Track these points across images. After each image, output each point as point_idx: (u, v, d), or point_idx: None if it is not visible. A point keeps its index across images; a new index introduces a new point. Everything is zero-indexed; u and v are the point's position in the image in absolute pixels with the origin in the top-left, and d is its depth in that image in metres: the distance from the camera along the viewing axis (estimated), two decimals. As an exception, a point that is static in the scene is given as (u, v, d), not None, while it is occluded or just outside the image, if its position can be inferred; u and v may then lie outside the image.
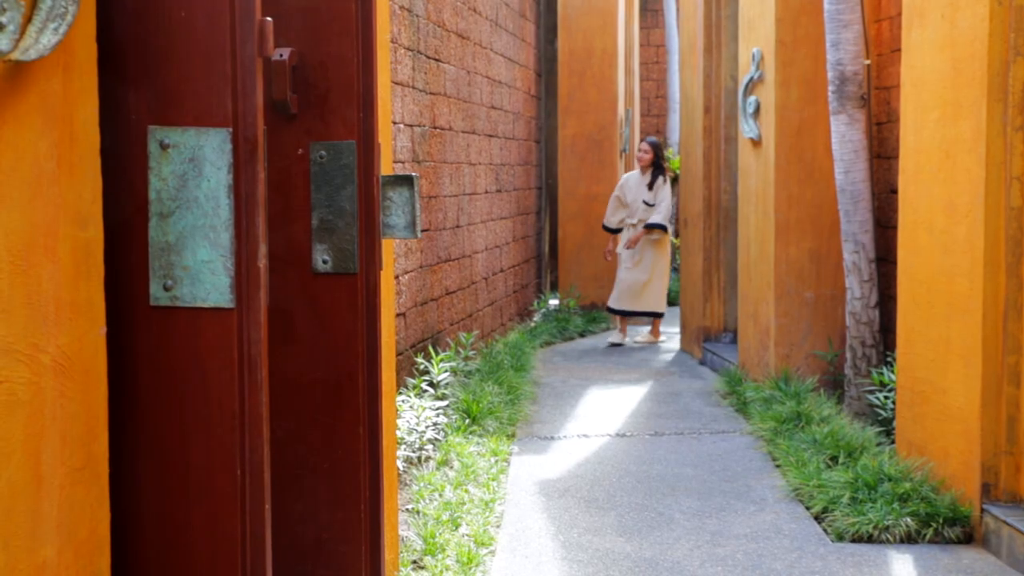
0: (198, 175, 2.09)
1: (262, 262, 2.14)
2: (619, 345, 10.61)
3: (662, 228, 10.50)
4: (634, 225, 10.56)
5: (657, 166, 10.61)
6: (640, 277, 10.54)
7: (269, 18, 2.15)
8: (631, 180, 10.74)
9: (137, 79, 2.08)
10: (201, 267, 2.11)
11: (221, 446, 2.13)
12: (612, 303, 10.75)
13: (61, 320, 1.85)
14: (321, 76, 2.88)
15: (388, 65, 3.93)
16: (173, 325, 2.12)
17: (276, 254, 2.91)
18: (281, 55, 2.83)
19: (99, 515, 1.98)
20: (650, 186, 10.54)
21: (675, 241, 16.03)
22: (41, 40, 1.74)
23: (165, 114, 2.09)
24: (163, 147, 2.09)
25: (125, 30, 2.07)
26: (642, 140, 10.82)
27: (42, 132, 1.80)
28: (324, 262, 2.92)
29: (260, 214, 2.14)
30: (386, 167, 3.97)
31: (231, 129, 2.09)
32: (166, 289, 2.10)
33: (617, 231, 10.81)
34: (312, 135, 2.90)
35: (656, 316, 10.76)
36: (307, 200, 2.93)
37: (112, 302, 2.07)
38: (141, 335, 2.11)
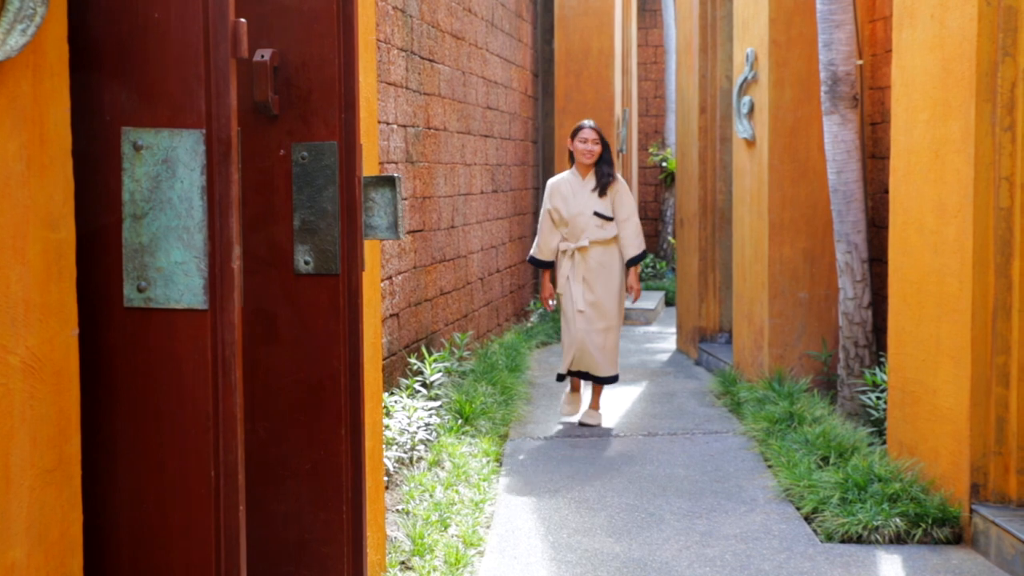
0: (171, 176, 2.09)
1: (236, 263, 2.14)
2: (583, 424, 7.29)
3: (642, 257, 7.31)
4: (584, 249, 7.17)
5: (605, 163, 7.22)
6: (598, 324, 7.20)
7: (243, 19, 2.15)
8: (564, 185, 7.25)
9: (110, 80, 2.08)
10: (175, 268, 2.11)
11: (195, 447, 2.13)
12: (568, 365, 7.28)
13: (31, 321, 1.85)
14: (303, 77, 2.87)
15: (374, 65, 3.93)
16: (147, 326, 2.12)
17: (258, 255, 2.91)
18: (263, 56, 2.83)
19: (71, 516, 1.98)
20: (601, 191, 7.14)
21: (672, 240, 16.02)
22: (8, 41, 1.74)
23: (139, 115, 2.09)
24: (136, 148, 2.09)
25: (98, 31, 2.07)
26: (579, 127, 7.26)
27: (10, 134, 1.80)
28: (306, 263, 2.92)
29: (234, 215, 2.14)
30: (372, 168, 3.97)
31: (204, 130, 2.09)
32: (140, 290, 2.10)
33: (550, 264, 7.39)
34: (294, 136, 2.90)
35: (610, 381, 7.31)
36: (289, 201, 2.92)
37: (86, 303, 2.07)
38: (115, 336, 2.11)
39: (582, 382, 7.50)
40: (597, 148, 7.16)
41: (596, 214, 7.17)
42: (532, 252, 7.41)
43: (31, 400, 1.85)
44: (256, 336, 2.87)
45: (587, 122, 7.28)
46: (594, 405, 7.37)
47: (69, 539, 1.97)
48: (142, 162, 2.09)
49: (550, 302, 7.53)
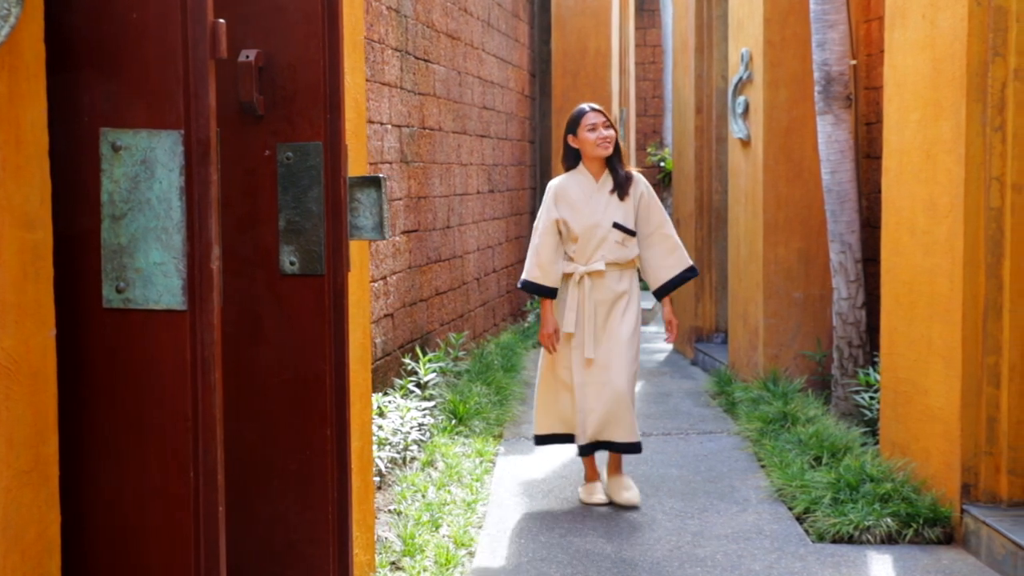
0: (150, 177, 2.09)
1: (215, 264, 2.14)
2: (620, 505, 5.42)
3: (686, 278, 5.52)
4: (597, 273, 5.39)
5: (618, 157, 5.50)
6: (616, 375, 5.39)
7: (222, 20, 2.15)
8: (573, 189, 5.47)
9: (89, 81, 2.07)
10: (153, 269, 2.11)
11: (174, 448, 2.13)
12: (578, 436, 5.53)
13: (6, 323, 1.85)
14: (288, 78, 2.87)
15: (362, 65, 3.93)
16: (126, 327, 2.12)
17: (244, 255, 2.91)
18: (247, 56, 2.83)
19: (49, 517, 1.98)
20: (621, 193, 5.41)
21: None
22: (-18, 42, 1.74)
23: (117, 116, 2.09)
24: (115, 149, 2.08)
25: (76, 32, 2.07)
26: (580, 113, 5.47)
27: (-15, 135, 1.80)
28: (291, 263, 2.92)
29: (213, 216, 2.13)
30: (360, 168, 3.97)
31: (183, 131, 2.09)
32: (119, 291, 2.10)
33: (554, 292, 5.48)
34: (279, 136, 2.89)
35: (632, 449, 5.48)
36: (274, 202, 2.92)
37: (65, 304, 2.06)
38: (94, 337, 2.11)
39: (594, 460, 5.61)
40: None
41: (616, 226, 5.38)
42: (526, 275, 5.48)
43: (7, 401, 1.85)
44: (241, 336, 2.87)
45: (587, 105, 5.51)
46: (617, 469, 5.52)
47: (46, 540, 1.96)
48: (121, 163, 2.09)
49: (556, 343, 5.50)
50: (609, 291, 5.42)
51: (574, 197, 5.46)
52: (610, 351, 5.40)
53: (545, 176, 12.80)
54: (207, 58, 2.11)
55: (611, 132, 5.40)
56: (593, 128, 5.39)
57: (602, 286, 5.42)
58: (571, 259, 5.46)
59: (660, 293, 5.47)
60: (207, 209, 2.12)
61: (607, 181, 5.46)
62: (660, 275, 5.44)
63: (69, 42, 2.06)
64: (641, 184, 5.50)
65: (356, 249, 3.90)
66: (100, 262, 2.10)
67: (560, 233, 5.46)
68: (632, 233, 5.43)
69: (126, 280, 2.10)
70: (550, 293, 5.47)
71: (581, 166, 5.49)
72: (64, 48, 2.05)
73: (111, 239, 2.10)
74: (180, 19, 2.07)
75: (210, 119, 2.11)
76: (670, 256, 5.45)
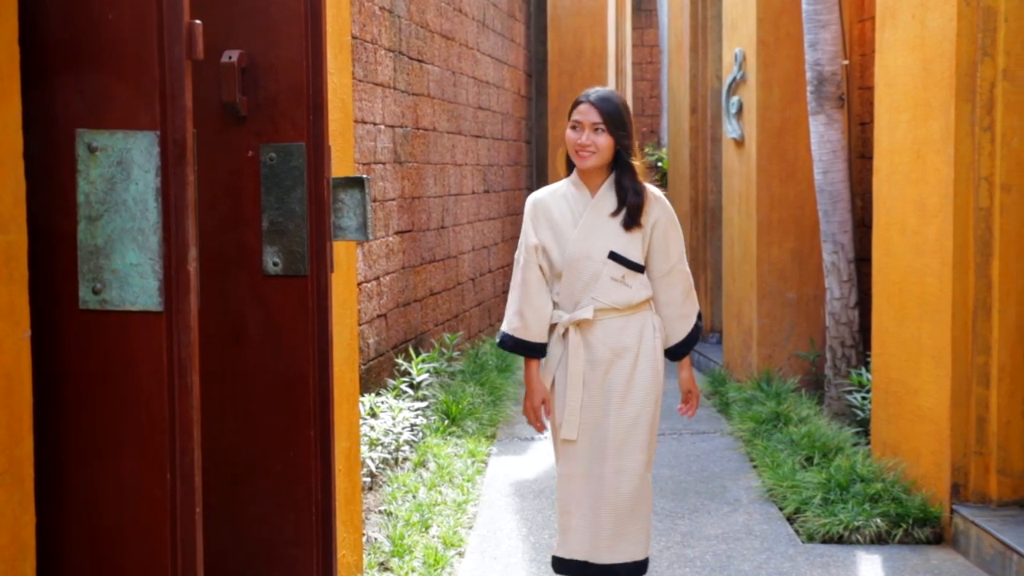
0: (126, 178, 2.09)
1: (192, 265, 2.14)
2: None
3: (695, 338, 3.99)
4: (585, 323, 3.80)
5: (623, 168, 3.82)
6: (611, 472, 3.80)
7: (198, 21, 2.14)
8: (556, 205, 3.89)
9: (65, 82, 2.07)
10: (130, 270, 2.10)
11: (151, 450, 2.13)
12: (570, 550, 3.85)
13: (-21, 324, 1.85)
14: (271, 78, 2.87)
15: (348, 66, 3.92)
16: (102, 328, 2.11)
17: (227, 256, 2.90)
18: (230, 57, 2.82)
19: (23, 520, 1.97)
20: (629, 220, 3.79)
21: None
22: (-47, 44, 1.74)
23: (93, 117, 2.09)
24: (91, 150, 2.08)
25: (51, 33, 2.07)
26: (579, 100, 3.83)
27: (-43, 136, 1.80)
28: (275, 264, 2.91)
29: (190, 217, 2.13)
30: (347, 169, 3.96)
31: (159, 132, 2.09)
32: (95, 292, 2.10)
33: (540, 351, 3.91)
34: (262, 137, 2.89)
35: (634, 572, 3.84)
36: (257, 202, 2.92)
37: (41, 305, 2.06)
38: (70, 338, 2.11)
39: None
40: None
41: (615, 257, 3.81)
42: (506, 326, 3.93)
43: (-20, 403, 1.85)
44: (225, 337, 2.86)
45: (587, 94, 3.86)
46: None
47: (21, 542, 1.96)
48: (97, 164, 2.08)
49: (543, 416, 3.95)
50: (605, 348, 3.81)
51: (557, 216, 3.87)
52: (610, 434, 3.80)
53: (542, 176, 12.80)
54: (183, 59, 2.10)
55: (601, 139, 3.77)
56: (576, 127, 3.82)
57: (595, 340, 3.82)
58: (554, 304, 3.89)
59: (676, 353, 3.95)
60: (184, 210, 2.12)
61: (606, 198, 3.83)
62: (677, 328, 3.91)
63: (44, 43, 2.06)
64: (658, 206, 3.87)
65: (342, 249, 3.90)
66: (76, 263, 2.10)
67: (542, 267, 3.88)
68: (638, 268, 3.83)
69: (102, 281, 2.10)
70: (536, 351, 3.90)
71: (574, 174, 3.90)
72: (39, 49, 2.05)
73: (87, 240, 2.10)
74: (156, 20, 2.07)
75: (186, 120, 2.11)
76: (687, 302, 3.93)
